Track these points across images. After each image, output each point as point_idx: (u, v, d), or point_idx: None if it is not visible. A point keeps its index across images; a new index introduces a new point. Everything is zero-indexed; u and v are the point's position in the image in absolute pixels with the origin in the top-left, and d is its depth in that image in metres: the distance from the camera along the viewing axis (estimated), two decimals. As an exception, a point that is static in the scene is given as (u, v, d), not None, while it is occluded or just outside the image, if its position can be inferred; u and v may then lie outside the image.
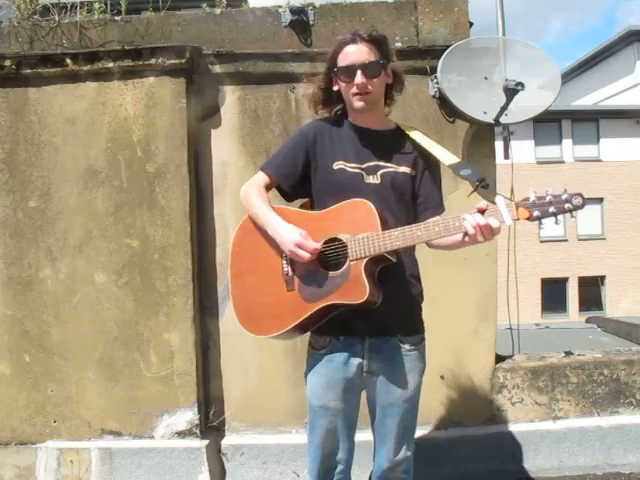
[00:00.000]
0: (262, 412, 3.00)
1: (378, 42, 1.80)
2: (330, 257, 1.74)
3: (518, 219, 1.59)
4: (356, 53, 1.78)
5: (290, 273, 1.78)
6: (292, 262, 1.78)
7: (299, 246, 1.70)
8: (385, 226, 1.70)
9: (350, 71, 1.78)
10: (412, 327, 1.90)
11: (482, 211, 1.60)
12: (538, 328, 12.31)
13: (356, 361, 1.83)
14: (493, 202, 1.65)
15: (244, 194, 1.91)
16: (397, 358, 1.85)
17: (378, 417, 1.89)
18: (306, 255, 1.70)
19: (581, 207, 1.55)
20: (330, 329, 1.81)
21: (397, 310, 1.80)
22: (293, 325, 1.75)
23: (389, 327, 1.82)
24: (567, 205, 1.55)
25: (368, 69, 1.77)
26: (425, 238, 1.69)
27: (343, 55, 1.79)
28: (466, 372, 2.99)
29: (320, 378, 1.85)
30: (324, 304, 1.71)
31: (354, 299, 1.68)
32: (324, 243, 1.74)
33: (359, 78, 1.77)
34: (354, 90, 1.80)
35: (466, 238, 1.65)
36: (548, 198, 1.56)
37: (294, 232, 1.73)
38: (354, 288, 1.68)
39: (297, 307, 1.75)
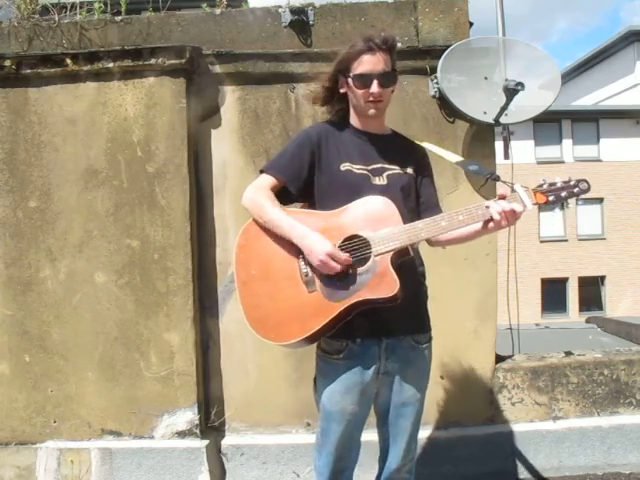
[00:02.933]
0: (262, 412, 3.00)
1: (391, 50, 1.82)
2: (351, 254, 1.72)
3: (537, 203, 1.72)
4: (373, 62, 1.79)
5: (310, 274, 1.73)
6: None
7: (331, 256, 1.67)
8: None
9: (367, 79, 1.80)
10: (424, 325, 1.92)
11: (503, 198, 1.71)
12: (538, 328, 12.32)
13: (374, 364, 1.81)
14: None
15: (250, 200, 1.85)
16: (411, 357, 1.85)
17: (391, 417, 1.89)
18: (337, 267, 1.67)
19: (587, 190, 1.72)
20: (345, 332, 1.76)
21: (410, 308, 1.80)
22: (319, 327, 1.69)
23: (404, 326, 1.82)
24: (576, 189, 1.72)
25: (384, 79, 1.80)
26: (449, 228, 1.72)
27: (359, 63, 1.80)
28: (466, 372, 2.99)
29: (337, 383, 1.81)
30: (352, 302, 1.68)
31: (384, 294, 1.67)
32: (343, 241, 1.73)
33: (375, 87, 1.79)
34: (369, 98, 1.82)
35: (490, 224, 1.73)
36: (559, 184, 1.72)
37: (325, 242, 1.70)
38: (383, 282, 1.67)
39: (321, 308, 1.70)
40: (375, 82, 1.79)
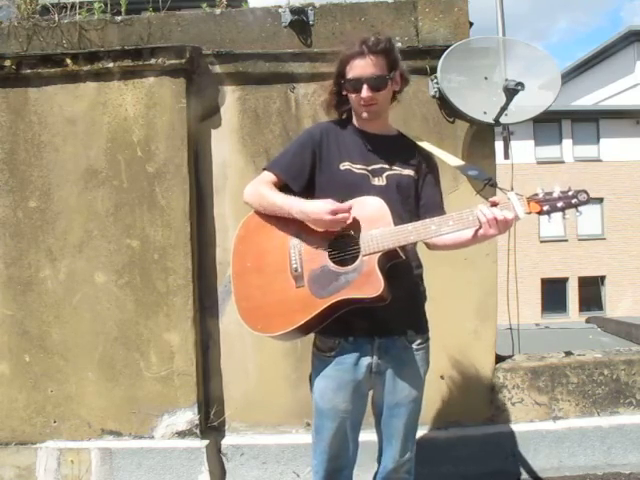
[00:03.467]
0: (262, 412, 3.00)
1: (386, 53, 1.81)
2: (341, 253, 1.74)
3: (530, 213, 1.67)
4: (363, 66, 1.79)
5: (299, 269, 1.76)
6: (302, 258, 1.77)
7: (335, 212, 1.69)
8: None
9: (357, 84, 1.81)
10: (419, 326, 1.91)
11: (495, 205, 1.67)
12: (538, 328, 12.32)
13: (365, 362, 1.82)
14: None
15: (252, 193, 1.87)
16: (405, 358, 1.86)
17: (384, 417, 1.89)
18: (346, 216, 1.70)
19: (586, 202, 1.65)
20: (339, 330, 1.79)
21: (405, 309, 1.81)
22: (303, 322, 1.72)
23: (397, 326, 1.83)
24: (574, 200, 1.65)
25: (374, 83, 1.80)
26: (439, 232, 1.71)
27: (350, 67, 1.81)
28: (466, 372, 2.99)
29: (329, 381, 1.84)
30: (336, 299, 1.70)
31: (368, 293, 1.67)
32: (334, 239, 1.74)
33: (365, 92, 1.80)
34: (360, 102, 1.83)
35: (480, 231, 1.70)
36: (556, 194, 1.65)
37: (324, 203, 1.72)
38: (368, 282, 1.68)
39: (307, 303, 1.73)
40: (365, 87, 1.79)
